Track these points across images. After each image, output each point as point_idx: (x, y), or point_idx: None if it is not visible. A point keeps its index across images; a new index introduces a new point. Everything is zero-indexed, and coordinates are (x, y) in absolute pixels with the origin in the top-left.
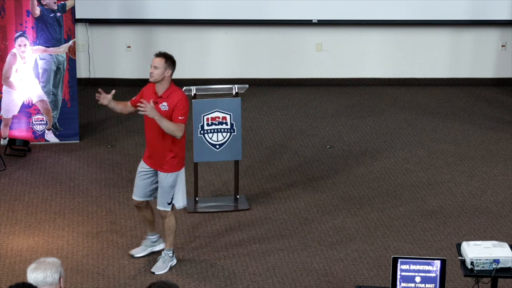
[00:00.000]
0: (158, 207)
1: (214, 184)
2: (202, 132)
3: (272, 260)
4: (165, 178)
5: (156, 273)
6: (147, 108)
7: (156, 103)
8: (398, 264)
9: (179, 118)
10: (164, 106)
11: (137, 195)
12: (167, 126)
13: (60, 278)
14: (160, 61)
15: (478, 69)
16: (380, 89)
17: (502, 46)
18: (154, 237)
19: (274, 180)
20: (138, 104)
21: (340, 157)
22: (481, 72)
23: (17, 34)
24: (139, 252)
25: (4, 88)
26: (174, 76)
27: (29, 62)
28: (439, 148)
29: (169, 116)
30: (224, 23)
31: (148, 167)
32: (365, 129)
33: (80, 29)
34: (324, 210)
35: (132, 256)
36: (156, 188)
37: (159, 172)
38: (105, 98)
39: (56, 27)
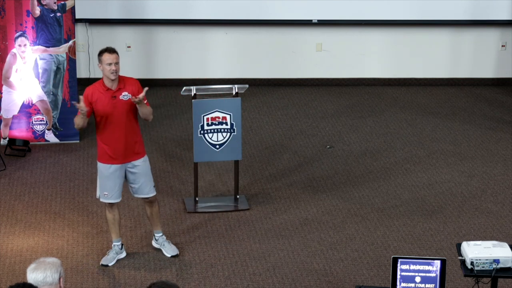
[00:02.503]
0: (149, 195)
1: (214, 184)
2: (202, 132)
3: (272, 260)
4: (144, 162)
5: (174, 254)
6: (141, 99)
7: (114, 97)
8: (398, 264)
9: (147, 101)
10: (126, 95)
11: (115, 197)
12: (148, 110)
13: (60, 278)
14: (117, 56)
15: (478, 69)
16: (380, 89)
17: (502, 46)
18: (118, 243)
19: (274, 180)
20: (134, 100)
21: (340, 157)
22: (481, 72)
23: (17, 34)
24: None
25: (4, 88)
26: (174, 76)
27: (29, 62)
28: (439, 148)
29: (132, 103)
30: (224, 23)
31: (117, 165)
32: (365, 129)
33: (80, 29)
34: (324, 210)
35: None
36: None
37: (134, 162)
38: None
39: (56, 27)
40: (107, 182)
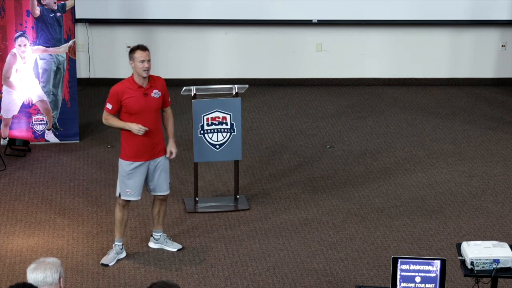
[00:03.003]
0: (166, 192)
1: (214, 184)
2: (202, 132)
3: (272, 260)
4: (165, 159)
5: (179, 248)
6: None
7: (146, 94)
8: (398, 264)
9: (169, 101)
10: (156, 93)
11: (137, 194)
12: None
13: (60, 278)
14: (149, 54)
15: (478, 69)
16: (380, 89)
17: (502, 46)
18: (120, 243)
19: (274, 180)
20: (169, 156)
21: (340, 157)
22: (481, 72)
23: (17, 34)
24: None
25: (4, 88)
26: (175, 76)
27: (29, 62)
28: (439, 148)
29: (161, 100)
30: (224, 23)
31: (142, 163)
32: (365, 129)
33: (80, 29)
34: (324, 210)
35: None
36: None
37: (157, 159)
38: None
39: (56, 27)
40: (131, 179)
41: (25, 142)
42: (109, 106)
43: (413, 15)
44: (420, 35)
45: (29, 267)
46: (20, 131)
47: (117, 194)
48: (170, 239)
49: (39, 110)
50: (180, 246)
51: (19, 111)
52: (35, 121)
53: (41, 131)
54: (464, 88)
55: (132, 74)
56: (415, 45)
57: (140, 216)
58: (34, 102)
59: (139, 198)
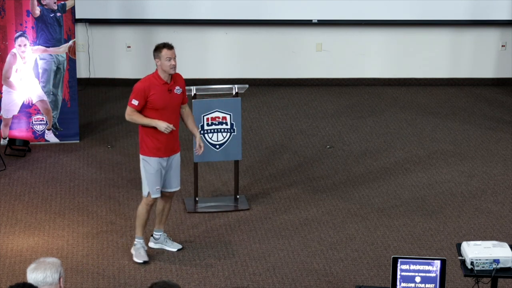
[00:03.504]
0: (177, 188)
1: (214, 184)
2: (202, 132)
3: (272, 260)
4: (178, 157)
5: (179, 248)
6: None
7: (170, 91)
8: (398, 264)
9: (186, 97)
10: (178, 89)
11: (159, 191)
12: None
13: (60, 278)
14: (175, 51)
15: (478, 69)
16: (380, 89)
17: (502, 46)
18: (142, 240)
19: (274, 180)
20: (198, 152)
21: (340, 157)
22: (481, 72)
23: (17, 34)
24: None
25: (4, 88)
26: None
27: (29, 62)
28: (439, 148)
29: (182, 97)
30: (224, 23)
31: (165, 158)
32: (365, 129)
33: (80, 29)
34: (324, 210)
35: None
36: None
37: (173, 155)
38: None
39: (56, 27)
40: (158, 175)
41: (25, 142)
42: (135, 102)
43: (413, 15)
44: (420, 35)
45: (29, 267)
46: (20, 131)
47: (145, 193)
48: (170, 239)
49: (39, 110)
50: (180, 246)
51: (19, 111)
52: (35, 121)
53: (41, 131)
54: (464, 88)
55: (156, 70)
56: (415, 45)
57: None
58: (34, 102)
59: (160, 195)
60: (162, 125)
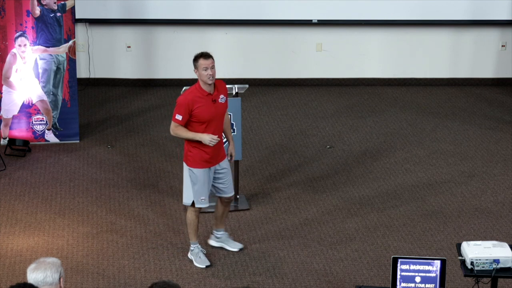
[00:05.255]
0: (231, 194)
1: None
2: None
3: (272, 260)
4: (227, 163)
5: (240, 247)
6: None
7: (214, 101)
8: (398, 264)
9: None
10: (222, 98)
11: (209, 200)
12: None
13: (60, 278)
14: (213, 61)
15: (478, 69)
16: (380, 89)
17: (502, 46)
18: (197, 244)
19: (274, 180)
20: (231, 159)
21: (340, 157)
22: (481, 72)
23: (17, 34)
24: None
25: (4, 88)
26: (175, 76)
27: (29, 62)
28: (439, 148)
29: (227, 105)
30: (224, 23)
31: (212, 168)
32: (365, 129)
33: (80, 29)
34: (324, 210)
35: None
36: None
37: (221, 163)
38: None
39: (56, 27)
40: (204, 186)
41: (25, 142)
42: (178, 117)
43: (413, 15)
44: (420, 35)
45: (29, 267)
46: (20, 131)
47: (188, 202)
48: (231, 238)
49: (39, 110)
50: (241, 246)
51: (19, 111)
52: (35, 121)
53: (41, 131)
54: (464, 88)
55: (198, 81)
56: (415, 45)
57: (140, 216)
58: (34, 102)
59: (208, 204)
60: (207, 138)
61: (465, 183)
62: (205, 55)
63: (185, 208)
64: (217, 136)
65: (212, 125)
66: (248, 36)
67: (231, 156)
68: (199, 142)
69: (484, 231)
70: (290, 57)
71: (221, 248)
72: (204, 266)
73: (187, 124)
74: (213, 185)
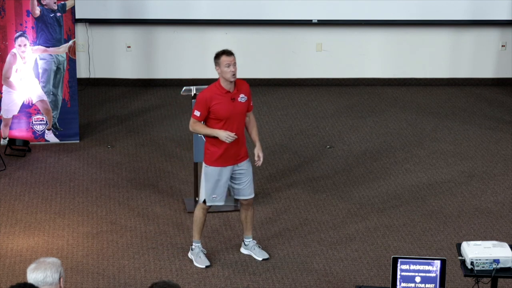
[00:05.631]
0: (250, 196)
1: None
2: None
3: (272, 260)
4: (249, 163)
5: (265, 257)
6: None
7: (234, 99)
8: (398, 264)
9: (252, 105)
10: (242, 98)
11: (223, 199)
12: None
13: (60, 278)
14: (235, 58)
15: (478, 69)
16: (380, 89)
17: (502, 46)
18: (199, 244)
19: (274, 180)
20: (257, 163)
21: (340, 157)
22: (481, 72)
23: (17, 34)
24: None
25: (4, 88)
26: (175, 76)
27: (29, 62)
28: (439, 148)
29: (247, 105)
30: (224, 23)
31: (229, 167)
32: (365, 129)
33: (80, 29)
34: (324, 210)
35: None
36: None
37: (240, 163)
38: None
39: (56, 27)
40: (218, 185)
41: (25, 142)
42: (197, 113)
43: (413, 15)
44: (420, 35)
45: (29, 267)
46: (20, 131)
47: (201, 200)
48: (259, 246)
49: (39, 110)
50: (267, 256)
51: (19, 111)
52: (35, 121)
53: (41, 131)
54: (464, 88)
55: (218, 79)
56: (415, 45)
57: (140, 216)
58: (34, 102)
59: (223, 203)
60: (223, 134)
61: (465, 183)
62: (227, 52)
63: (185, 208)
64: (234, 133)
65: (230, 123)
66: (248, 36)
67: (258, 157)
68: (217, 139)
69: (484, 231)
70: (290, 57)
71: (249, 254)
72: (204, 266)
73: (206, 121)
74: (230, 185)
